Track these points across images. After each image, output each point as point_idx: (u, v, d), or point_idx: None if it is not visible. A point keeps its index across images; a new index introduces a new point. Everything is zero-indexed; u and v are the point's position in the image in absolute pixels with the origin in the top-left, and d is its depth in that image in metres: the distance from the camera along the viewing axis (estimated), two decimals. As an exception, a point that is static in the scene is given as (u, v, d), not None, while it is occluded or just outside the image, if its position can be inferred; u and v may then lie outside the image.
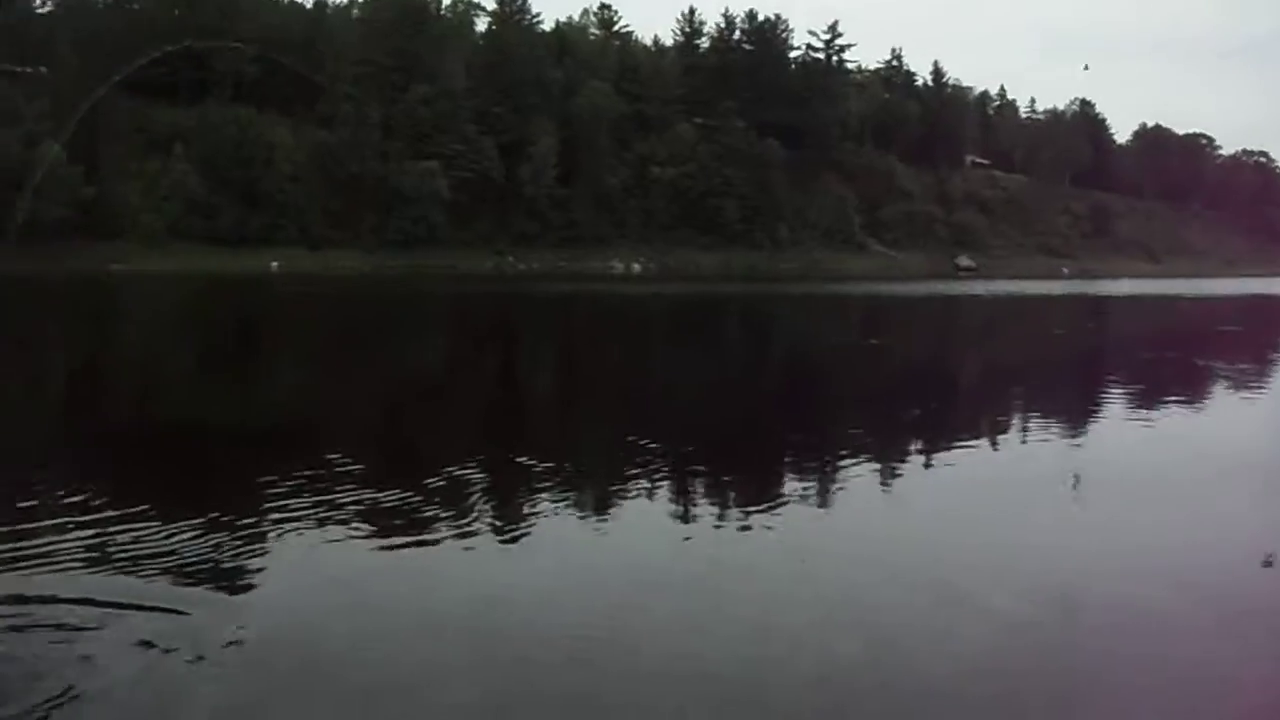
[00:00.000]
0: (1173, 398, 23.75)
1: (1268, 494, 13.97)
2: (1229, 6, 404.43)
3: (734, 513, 11.94)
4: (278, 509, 11.33)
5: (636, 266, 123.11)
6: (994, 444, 17.51)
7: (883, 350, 34.50)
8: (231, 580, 9.05)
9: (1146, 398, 23.55)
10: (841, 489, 13.29)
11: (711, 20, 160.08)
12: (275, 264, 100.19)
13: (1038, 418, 20.21)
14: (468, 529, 10.82)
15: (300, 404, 21.75)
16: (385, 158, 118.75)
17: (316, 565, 9.52)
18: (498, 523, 11.24)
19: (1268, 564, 10.14)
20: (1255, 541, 10.90)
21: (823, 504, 12.61)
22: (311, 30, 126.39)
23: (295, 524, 10.73)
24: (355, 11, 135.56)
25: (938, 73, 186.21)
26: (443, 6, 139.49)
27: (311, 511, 11.26)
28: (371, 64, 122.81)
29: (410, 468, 14.42)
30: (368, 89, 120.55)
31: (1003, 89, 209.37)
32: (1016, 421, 20.11)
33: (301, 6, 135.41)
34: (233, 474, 14.24)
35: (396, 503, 11.89)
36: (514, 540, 10.66)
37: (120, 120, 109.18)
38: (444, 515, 11.38)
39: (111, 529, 10.27)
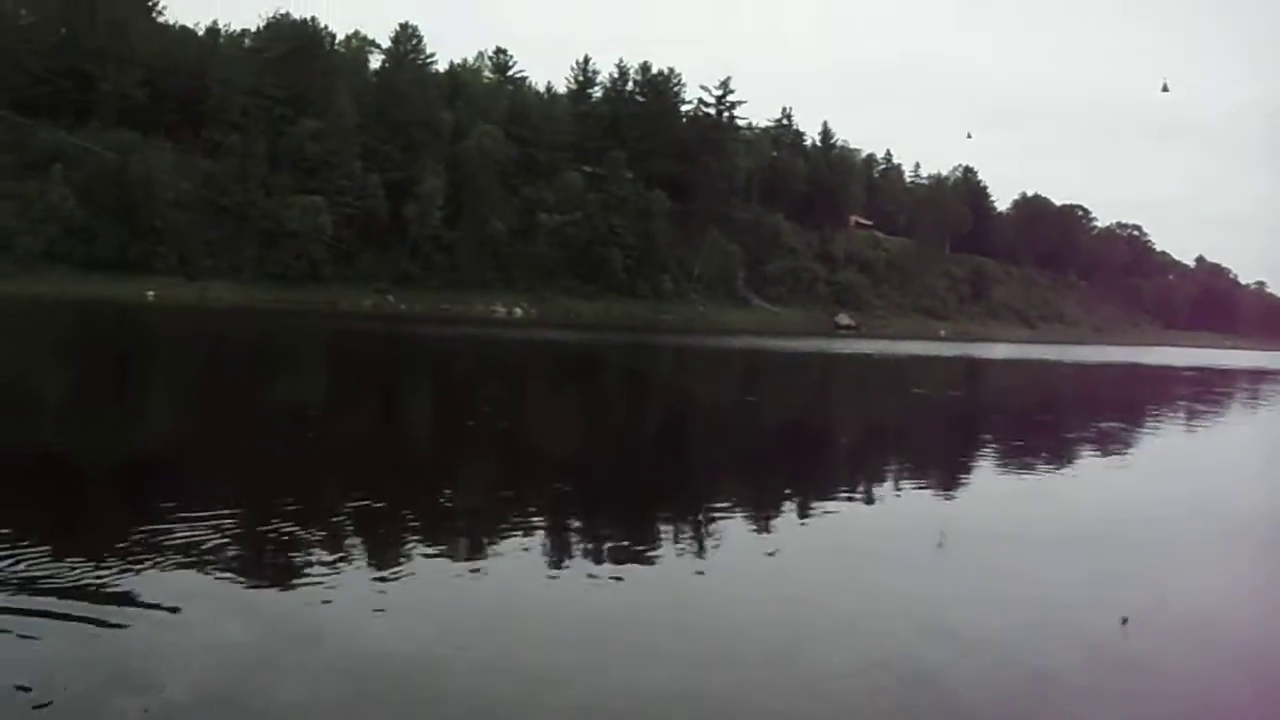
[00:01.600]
0: (1041, 458, 24.62)
1: (1127, 552, 14.57)
2: (1111, 83, 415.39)
3: (606, 564, 12.08)
4: (141, 543, 11.29)
5: (519, 311, 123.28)
6: (861, 500, 17.97)
7: (757, 407, 34.92)
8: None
9: (1015, 458, 24.62)
10: (713, 543, 13.55)
11: (605, 71, 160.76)
12: (151, 293, 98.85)
13: (908, 476, 20.88)
14: (326, 577, 10.69)
15: (165, 439, 21.49)
16: (269, 190, 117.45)
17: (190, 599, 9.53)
18: (364, 570, 11.20)
19: (1124, 622, 10.66)
20: (1114, 599, 11.46)
21: (679, 558, 12.76)
22: (202, 57, 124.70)
23: (161, 558, 10.76)
24: (247, 41, 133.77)
25: (826, 133, 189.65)
26: (336, 41, 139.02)
27: (181, 546, 11.29)
28: (261, 95, 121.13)
29: (271, 504, 14.16)
30: (256, 120, 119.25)
31: (889, 153, 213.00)
32: (885, 479, 20.61)
33: (193, 33, 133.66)
34: (97, 505, 14.30)
35: (249, 540, 12.00)
36: (382, 587, 10.53)
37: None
38: (302, 558, 11.39)
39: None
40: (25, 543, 10.96)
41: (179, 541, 11.56)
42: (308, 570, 10.90)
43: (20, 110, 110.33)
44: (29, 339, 50.22)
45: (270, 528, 12.51)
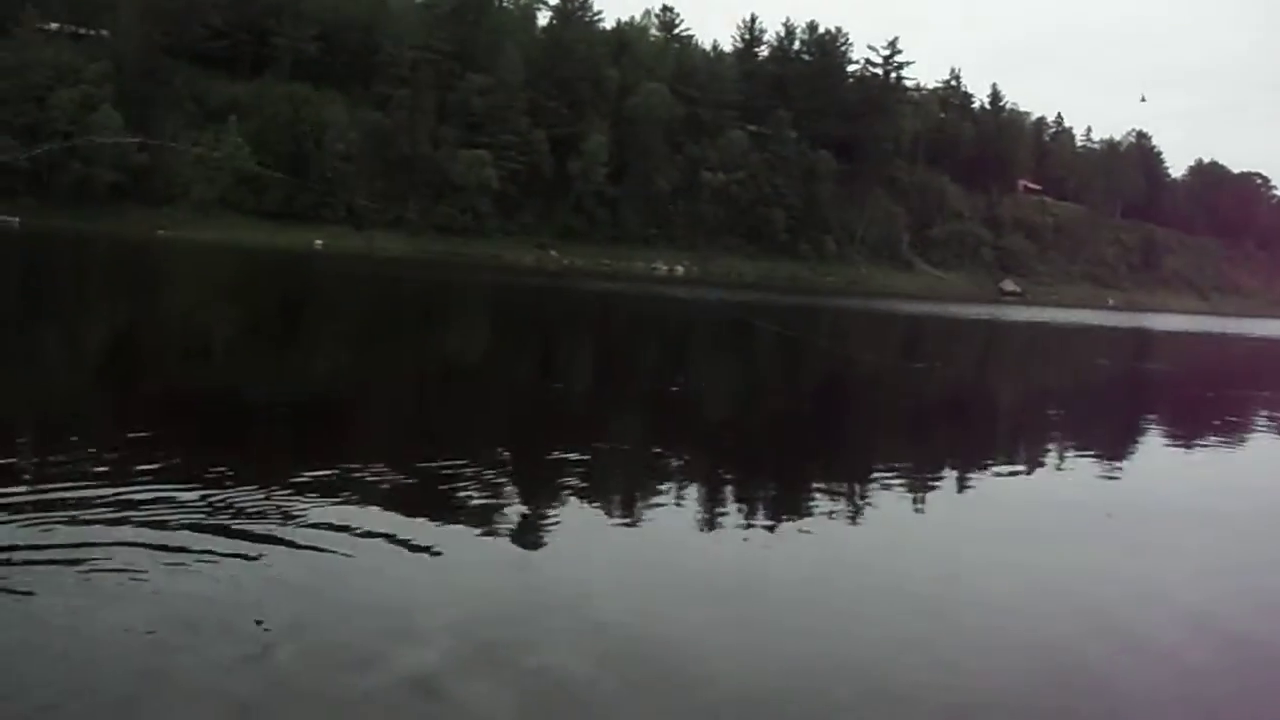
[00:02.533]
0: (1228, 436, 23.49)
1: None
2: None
3: (761, 525, 11.70)
4: (302, 482, 11.25)
5: (680, 269, 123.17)
6: (1032, 470, 17.28)
7: (930, 374, 34.06)
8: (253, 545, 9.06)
9: (1201, 434, 23.34)
10: (874, 505, 13.11)
11: (772, 29, 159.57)
12: (319, 241, 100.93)
13: (1090, 451, 19.51)
14: (490, 523, 10.59)
15: (333, 382, 21.59)
16: (437, 143, 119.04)
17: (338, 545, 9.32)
18: (525, 518, 10.99)
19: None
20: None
21: (853, 519, 12.39)
22: (373, 12, 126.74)
23: (319, 499, 10.66)
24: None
25: (995, 95, 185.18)
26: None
27: (339, 488, 11.22)
28: (430, 50, 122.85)
29: (434, 452, 14.01)
30: (424, 74, 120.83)
31: (1059, 116, 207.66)
32: (1060, 451, 19.52)
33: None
34: (263, 444, 14.34)
35: (414, 486, 11.93)
36: (539, 538, 10.43)
37: (178, 89, 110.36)
38: (468, 504, 11.24)
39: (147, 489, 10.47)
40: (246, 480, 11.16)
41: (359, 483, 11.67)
42: (502, 524, 10.71)
43: (199, 63, 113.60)
44: (213, 282, 51.38)
45: (440, 478, 12.34)
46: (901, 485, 14.37)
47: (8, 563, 8.15)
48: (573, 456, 14.45)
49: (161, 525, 9.31)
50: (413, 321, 39.66)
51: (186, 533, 9.16)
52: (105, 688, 6.44)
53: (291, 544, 9.17)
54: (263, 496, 10.49)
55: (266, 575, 8.41)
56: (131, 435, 13.60)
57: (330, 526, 9.68)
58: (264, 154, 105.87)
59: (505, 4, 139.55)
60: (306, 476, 11.47)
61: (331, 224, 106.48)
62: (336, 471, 11.91)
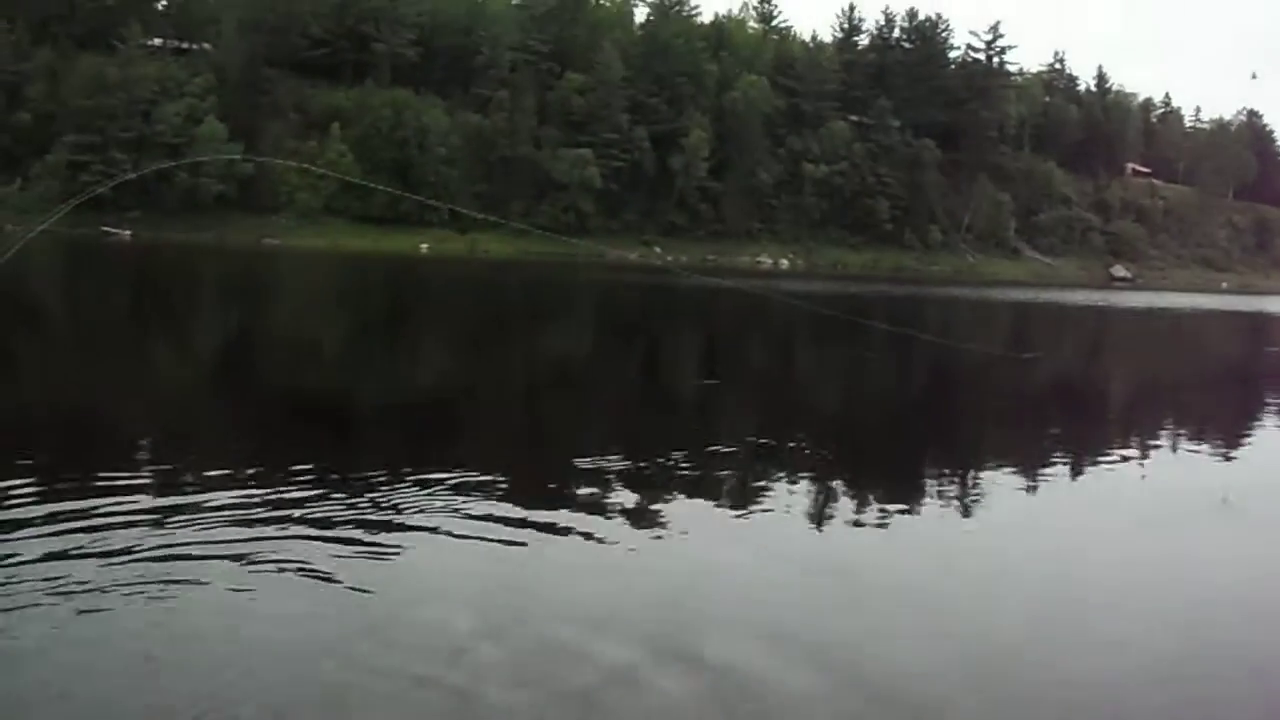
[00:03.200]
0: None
1: None
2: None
3: (873, 515, 12.05)
4: (416, 487, 11.33)
5: (784, 262, 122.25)
6: (1145, 461, 16.80)
7: (1037, 363, 33.18)
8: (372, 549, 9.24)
9: None
10: (984, 496, 13.28)
11: (871, 18, 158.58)
12: (424, 245, 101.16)
13: (1209, 437, 19.49)
14: (624, 523, 10.71)
15: (446, 385, 21.93)
16: (538, 144, 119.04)
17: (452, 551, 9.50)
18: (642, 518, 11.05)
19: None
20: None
21: (965, 512, 12.54)
22: (471, 15, 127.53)
23: (437, 505, 10.74)
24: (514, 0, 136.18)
25: (1101, 78, 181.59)
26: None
27: (454, 491, 11.29)
28: (528, 50, 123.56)
29: (591, 448, 14.41)
30: (523, 75, 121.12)
31: (1167, 96, 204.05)
32: (1174, 438, 19.52)
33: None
34: (382, 447, 14.50)
35: (576, 480, 12.36)
36: (664, 535, 10.53)
37: (280, 99, 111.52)
38: (595, 504, 11.35)
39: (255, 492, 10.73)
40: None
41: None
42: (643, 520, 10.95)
43: (300, 72, 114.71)
44: (324, 285, 51.74)
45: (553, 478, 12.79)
46: (1026, 479, 14.46)
47: (230, 559, 8.61)
48: (722, 450, 15.06)
49: (344, 523, 9.78)
50: (539, 323, 39.92)
51: (359, 530, 9.60)
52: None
53: (464, 537, 9.66)
54: (426, 493, 10.97)
55: (453, 568, 8.98)
56: (278, 439, 14.24)
57: (506, 520, 10.21)
58: (367, 160, 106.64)
59: (603, 1, 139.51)
60: (463, 473, 11.99)
61: (436, 227, 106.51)
62: (509, 465, 12.74)
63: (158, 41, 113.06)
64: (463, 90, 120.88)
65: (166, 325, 29.20)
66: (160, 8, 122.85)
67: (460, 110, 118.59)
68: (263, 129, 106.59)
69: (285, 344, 27.88)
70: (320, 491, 10.74)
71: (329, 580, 8.32)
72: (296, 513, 9.92)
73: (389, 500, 10.62)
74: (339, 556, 8.76)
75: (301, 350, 26.41)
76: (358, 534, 9.43)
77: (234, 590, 7.95)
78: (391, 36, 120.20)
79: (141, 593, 7.78)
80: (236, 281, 54.76)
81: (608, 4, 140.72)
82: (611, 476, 12.66)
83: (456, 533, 9.72)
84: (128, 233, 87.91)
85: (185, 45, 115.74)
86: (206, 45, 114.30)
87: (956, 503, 13.04)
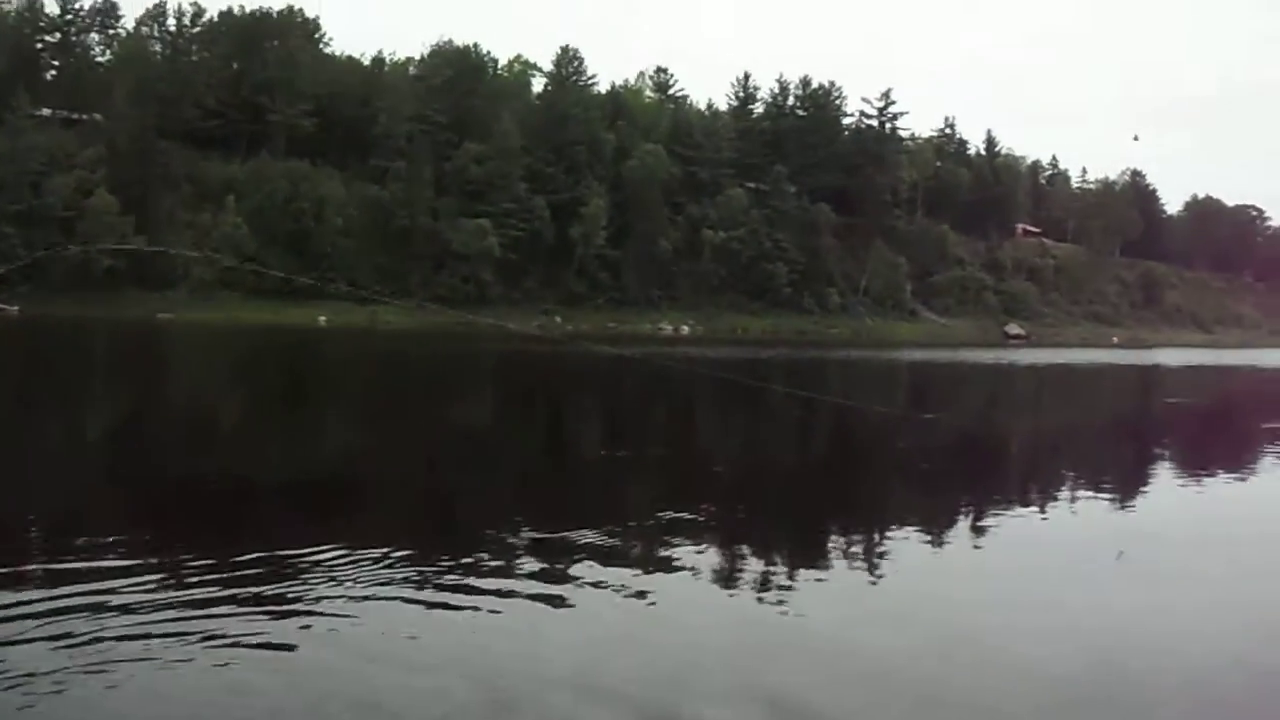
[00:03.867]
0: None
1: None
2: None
3: (779, 574, 12.24)
4: (314, 562, 11.27)
5: (685, 328, 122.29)
6: (1045, 516, 17.16)
7: (938, 423, 33.58)
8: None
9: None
10: (890, 553, 13.49)
11: (766, 86, 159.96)
12: (323, 318, 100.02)
13: (1107, 488, 19.99)
14: (511, 592, 10.67)
15: (345, 459, 21.59)
16: (436, 214, 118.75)
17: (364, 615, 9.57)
18: (538, 588, 10.92)
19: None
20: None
21: (871, 566, 12.91)
22: (367, 86, 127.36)
23: (336, 576, 10.77)
24: (412, 69, 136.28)
25: (990, 141, 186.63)
26: (499, 66, 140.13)
27: (354, 566, 11.19)
28: (426, 120, 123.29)
29: (452, 526, 14.68)
30: (421, 145, 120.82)
31: (1054, 158, 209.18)
32: (1074, 491, 19.86)
33: (359, 63, 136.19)
34: (278, 524, 14.35)
35: (437, 562, 11.85)
36: (555, 605, 10.39)
37: (173, 171, 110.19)
38: (485, 576, 11.26)
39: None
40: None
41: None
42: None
43: (194, 144, 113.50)
44: (219, 361, 51.07)
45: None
46: (930, 534, 14.78)
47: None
48: (630, 520, 15.06)
49: (246, 602, 9.77)
50: (439, 395, 39.49)
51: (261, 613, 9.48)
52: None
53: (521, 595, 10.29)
54: (324, 571, 10.93)
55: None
56: (174, 520, 13.77)
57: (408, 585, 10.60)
58: (262, 232, 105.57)
59: (499, 71, 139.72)
60: (360, 548, 11.83)
61: (334, 299, 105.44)
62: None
63: (47, 112, 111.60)
64: (360, 161, 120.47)
65: (54, 403, 28.43)
66: (50, 78, 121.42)
67: (357, 181, 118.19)
68: (155, 201, 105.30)
69: (178, 421, 27.25)
70: (216, 575, 10.59)
71: (243, 652, 8.44)
72: (198, 595, 9.83)
73: (292, 579, 10.56)
74: (243, 644, 8.62)
75: (196, 427, 25.91)
76: (259, 619, 9.29)
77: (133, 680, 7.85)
78: (287, 107, 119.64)
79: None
80: (128, 357, 53.60)
81: (505, 74, 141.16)
82: (520, 548, 12.74)
83: (355, 600, 9.88)
84: (15, 308, 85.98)
85: (76, 116, 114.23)
86: (97, 116, 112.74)
87: (861, 558, 13.47)
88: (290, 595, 9.99)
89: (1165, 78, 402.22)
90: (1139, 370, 76.10)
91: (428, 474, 19.98)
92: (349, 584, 10.41)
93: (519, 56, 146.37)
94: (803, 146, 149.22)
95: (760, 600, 10.87)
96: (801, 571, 12.29)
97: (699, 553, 12.73)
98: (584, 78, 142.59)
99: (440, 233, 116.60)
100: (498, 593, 10.43)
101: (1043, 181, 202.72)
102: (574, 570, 11.54)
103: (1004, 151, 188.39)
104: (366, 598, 9.95)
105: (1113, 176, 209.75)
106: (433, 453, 22.77)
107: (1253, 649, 9.66)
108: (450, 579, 10.89)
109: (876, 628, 9.97)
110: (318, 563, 11.17)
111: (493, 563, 11.84)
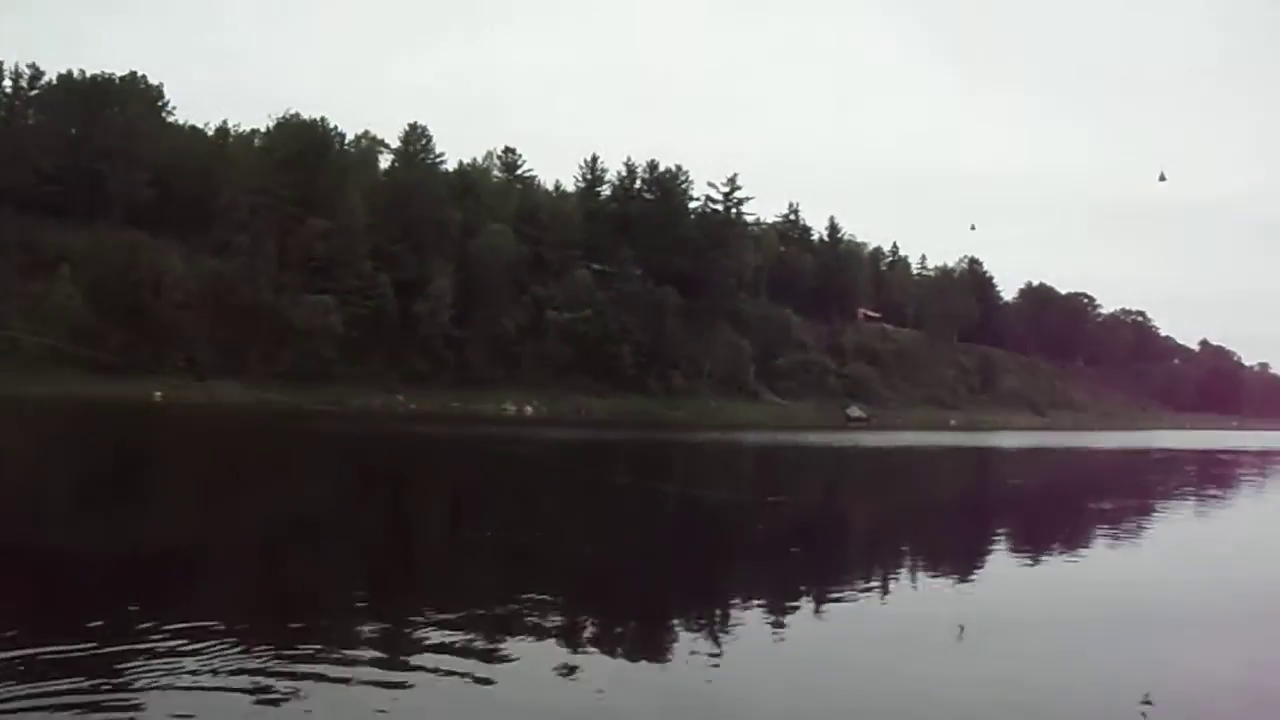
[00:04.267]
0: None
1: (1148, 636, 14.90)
2: (1108, 172, 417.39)
3: (620, 660, 12.48)
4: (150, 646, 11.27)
5: (529, 409, 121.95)
6: (888, 595, 17.96)
7: (781, 507, 33.99)
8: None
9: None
10: (732, 637, 13.79)
11: (613, 168, 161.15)
12: (159, 393, 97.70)
13: (946, 568, 20.92)
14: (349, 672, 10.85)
15: (178, 540, 21.03)
16: (279, 289, 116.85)
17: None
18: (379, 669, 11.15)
19: (1146, 703, 10.99)
20: (1134, 683, 11.72)
21: (712, 653, 12.86)
22: (210, 157, 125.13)
23: (169, 662, 10.76)
24: (257, 141, 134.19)
25: (833, 228, 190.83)
26: (345, 141, 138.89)
27: (188, 651, 11.19)
28: (270, 194, 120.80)
29: (287, 608, 14.48)
30: (264, 219, 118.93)
31: (895, 246, 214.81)
32: (914, 570, 20.77)
33: (202, 133, 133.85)
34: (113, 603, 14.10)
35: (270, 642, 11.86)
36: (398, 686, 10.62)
37: (6, 237, 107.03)
38: (322, 658, 11.34)
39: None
40: None
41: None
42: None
43: (29, 210, 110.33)
44: (50, 439, 49.68)
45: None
46: (774, 614, 15.26)
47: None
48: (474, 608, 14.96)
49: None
50: (278, 474, 38.87)
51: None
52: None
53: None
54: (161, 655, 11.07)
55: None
56: None
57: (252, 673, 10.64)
58: (99, 304, 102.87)
59: (346, 147, 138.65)
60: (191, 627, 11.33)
61: (171, 374, 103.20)
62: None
63: None
64: (201, 234, 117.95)
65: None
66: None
67: (198, 254, 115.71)
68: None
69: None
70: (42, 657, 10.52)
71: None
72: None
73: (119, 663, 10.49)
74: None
75: (20, 506, 25.22)
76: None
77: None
78: (126, 175, 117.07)
79: None
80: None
81: (352, 149, 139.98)
82: (363, 628, 12.86)
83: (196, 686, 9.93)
84: None
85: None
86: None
87: (706, 639, 13.66)
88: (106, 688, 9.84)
89: (1001, 170, 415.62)
90: (979, 452, 78.38)
91: (258, 557, 19.81)
92: (171, 676, 10.29)
93: (366, 132, 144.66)
94: (649, 229, 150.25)
95: (610, 671, 11.46)
96: (641, 660, 12.68)
97: (539, 639, 12.91)
98: (431, 155, 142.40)
99: (282, 309, 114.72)
100: (341, 680, 10.53)
101: (884, 268, 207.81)
102: (415, 656, 11.59)
103: (846, 238, 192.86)
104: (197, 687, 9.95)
105: (951, 264, 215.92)
106: (262, 535, 22.53)
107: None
108: (276, 665, 10.86)
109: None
110: (141, 652, 11.07)
111: (331, 650, 11.75)
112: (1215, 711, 11.24)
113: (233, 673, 10.50)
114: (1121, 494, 43.55)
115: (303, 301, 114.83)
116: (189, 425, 65.56)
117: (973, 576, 19.85)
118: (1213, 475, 57.85)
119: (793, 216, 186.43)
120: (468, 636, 12.80)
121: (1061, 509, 37.04)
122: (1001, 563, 22.13)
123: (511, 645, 12.50)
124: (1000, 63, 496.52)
